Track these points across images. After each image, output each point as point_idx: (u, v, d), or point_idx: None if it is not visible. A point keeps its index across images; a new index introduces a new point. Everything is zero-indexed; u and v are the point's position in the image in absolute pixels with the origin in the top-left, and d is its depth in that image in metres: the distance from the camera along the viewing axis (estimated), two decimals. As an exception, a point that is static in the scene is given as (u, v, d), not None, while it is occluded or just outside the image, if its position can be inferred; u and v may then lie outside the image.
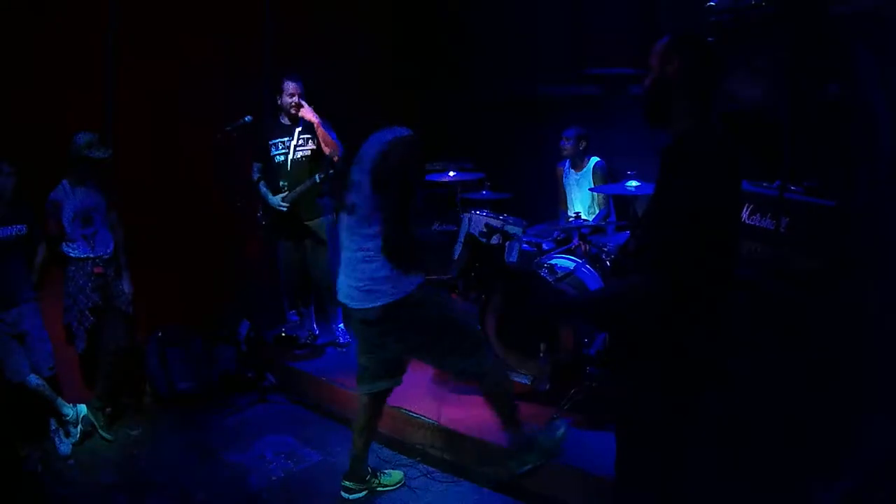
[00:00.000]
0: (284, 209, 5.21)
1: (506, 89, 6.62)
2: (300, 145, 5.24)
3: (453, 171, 5.77)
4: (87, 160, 4.51)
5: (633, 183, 4.66)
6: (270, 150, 5.28)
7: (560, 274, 4.61)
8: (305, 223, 5.30)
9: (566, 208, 5.93)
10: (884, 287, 2.90)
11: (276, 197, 5.24)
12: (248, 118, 4.83)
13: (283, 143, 5.26)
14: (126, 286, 4.84)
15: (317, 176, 5.09)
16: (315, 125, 5.10)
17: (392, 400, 4.56)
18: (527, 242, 5.04)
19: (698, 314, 2.26)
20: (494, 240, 4.88)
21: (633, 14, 5.40)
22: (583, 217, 5.55)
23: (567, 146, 5.74)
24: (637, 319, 2.31)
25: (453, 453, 4.20)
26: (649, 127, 2.41)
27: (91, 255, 4.64)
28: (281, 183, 5.24)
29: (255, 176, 5.35)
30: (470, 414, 4.34)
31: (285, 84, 5.16)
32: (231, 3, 5.67)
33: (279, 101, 5.21)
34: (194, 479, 4.19)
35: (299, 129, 5.24)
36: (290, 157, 5.22)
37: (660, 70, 2.35)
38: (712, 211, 2.20)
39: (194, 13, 5.38)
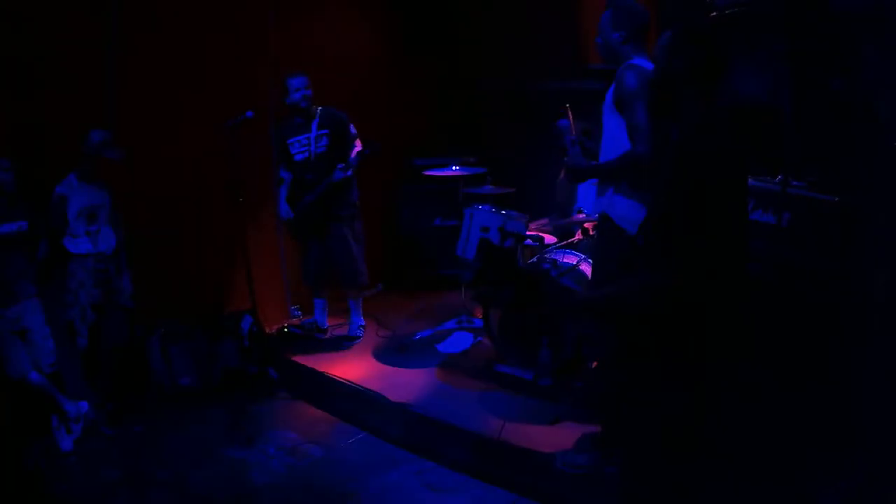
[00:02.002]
0: (290, 217, 5.42)
1: (508, 84, 6.61)
2: (319, 141, 5.30)
3: (456, 165, 5.76)
4: (100, 159, 4.51)
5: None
6: (290, 150, 5.36)
7: (563, 268, 4.60)
8: (334, 214, 5.37)
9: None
10: (886, 283, 2.89)
11: (286, 206, 5.43)
12: (249, 113, 4.82)
13: (301, 141, 5.33)
14: (127, 283, 4.83)
15: (335, 175, 5.19)
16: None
17: (396, 397, 4.59)
18: (529, 237, 5.05)
19: (706, 310, 2.25)
20: (508, 242, 4.88)
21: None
22: (585, 213, 5.53)
23: None
24: (646, 315, 2.30)
25: (459, 450, 4.20)
26: (654, 119, 2.40)
27: (93, 252, 4.63)
28: (308, 177, 5.33)
29: (279, 176, 5.52)
30: (474, 410, 4.34)
31: (289, 83, 5.21)
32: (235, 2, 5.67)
33: (287, 101, 5.25)
34: (196, 474, 4.19)
35: (316, 122, 5.31)
36: (314, 151, 5.30)
37: (664, 64, 2.34)
38: (718, 207, 2.19)
39: (195, 10, 5.37)
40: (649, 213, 2.48)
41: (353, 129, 5.37)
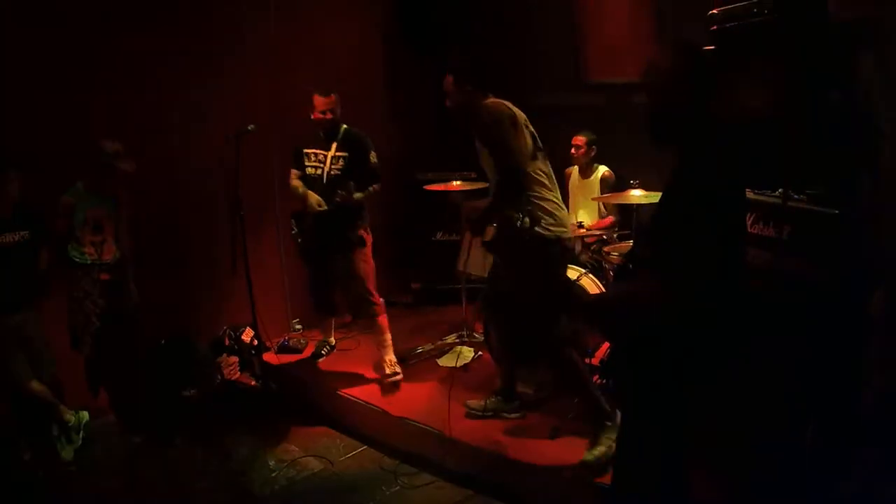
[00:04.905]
0: (321, 210, 5.00)
1: (509, 98, 6.63)
2: (335, 163, 5.07)
3: (457, 180, 5.78)
4: (111, 169, 4.53)
5: (637, 192, 4.67)
6: (303, 160, 5.17)
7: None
8: (346, 234, 5.11)
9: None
10: (886, 296, 2.89)
11: (314, 200, 5.04)
12: (250, 127, 4.83)
13: (317, 155, 5.12)
14: (132, 294, 4.83)
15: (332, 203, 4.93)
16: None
17: (397, 411, 4.59)
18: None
19: (706, 320, 2.25)
20: None
21: (635, 23, 5.42)
22: (586, 226, 5.57)
23: (578, 153, 5.74)
24: (647, 324, 2.30)
25: (458, 463, 4.19)
26: (651, 142, 2.40)
27: (98, 262, 4.64)
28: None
29: (294, 183, 5.19)
30: (475, 424, 4.34)
31: (316, 99, 5.01)
32: (234, 7, 5.72)
33: (312, 116, 5.04)
34: (197, 486, 4.18)
35: (336, 143, 5.09)
36: (326, 171, 5.08)
37: (656, 81, 2.34)
38: (718, 222, 2.19)
39: (195, 19, 5.43)
40: (648, 224, 2.49)
41: (374, 160, 5.11)
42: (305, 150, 5.17)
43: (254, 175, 5.39)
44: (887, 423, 2.81)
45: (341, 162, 5.06)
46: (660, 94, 2.35)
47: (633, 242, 3.71)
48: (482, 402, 4.44)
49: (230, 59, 5.62)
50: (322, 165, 5.10)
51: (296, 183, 5.16)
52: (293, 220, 5.27)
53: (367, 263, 5.19)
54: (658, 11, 5.30)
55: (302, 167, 5.18)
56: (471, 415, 4.42)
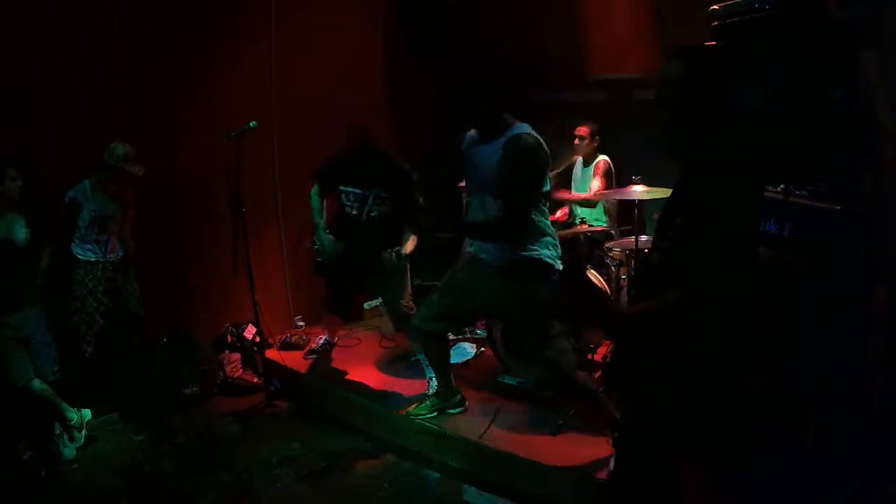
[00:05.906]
0: (331, 257, 4.86)
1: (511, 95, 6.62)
2: (377, 203, 4.77)
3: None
4: (120, 171, 4.53)
5: (639, 188, 4.66)
6: (340, 197, 4.81)
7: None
8: (375, 265, 4.89)
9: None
10: (888, 292, 2.88)
11: (330, 238, 4.86)
12: (252, 124, 4.82)
13: (356, 194, 4.75)
14: (135, 291, 4.84)
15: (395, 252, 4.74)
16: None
17: (397, 406, 4.59)
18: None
19: (719, 327, 2.24)
20: None
21: (637, 19, 5.40)
22: (588, 222, 5.56)
23: (581, 144, 5.73)
24: (667, 335, 2.27)
25: (462, 461, 4.19)
26: (668, 155, 2.35)
27: (101, 260, 4.65)
28: (352, 238, 4.85)
29: (314, 197, 4.93)
30: (477, 421, 4.33)
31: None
32: (235, 7, 5.71)
33: (349, 148, 4.72)
34: (198, 484, 4.18)
35: (378, 182, 4.70)
36: (366, 213, 4.80)
37: (666, 94, 2.31)
38: (721, 223, 2.17)
39: (197, 18, 5.41)
40: (668, 230, 2.43)
41: (420, 199, 4.72)
42: (343, 188, 4.79)
43: (255, 173, 5.39)
44: (887, 422, 2.81)
45: (385, 206, 4.74)
46: (672, 108, 2.30)
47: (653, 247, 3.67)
48: (424, 404, 4.48)
49: (231, 58, 5.62)
50: (360, 206, 4.78)
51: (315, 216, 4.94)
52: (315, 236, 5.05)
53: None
54: (659, 8, 5.29)
55: (335, 196, 4.88)
56: (416, 416, 4.44)
